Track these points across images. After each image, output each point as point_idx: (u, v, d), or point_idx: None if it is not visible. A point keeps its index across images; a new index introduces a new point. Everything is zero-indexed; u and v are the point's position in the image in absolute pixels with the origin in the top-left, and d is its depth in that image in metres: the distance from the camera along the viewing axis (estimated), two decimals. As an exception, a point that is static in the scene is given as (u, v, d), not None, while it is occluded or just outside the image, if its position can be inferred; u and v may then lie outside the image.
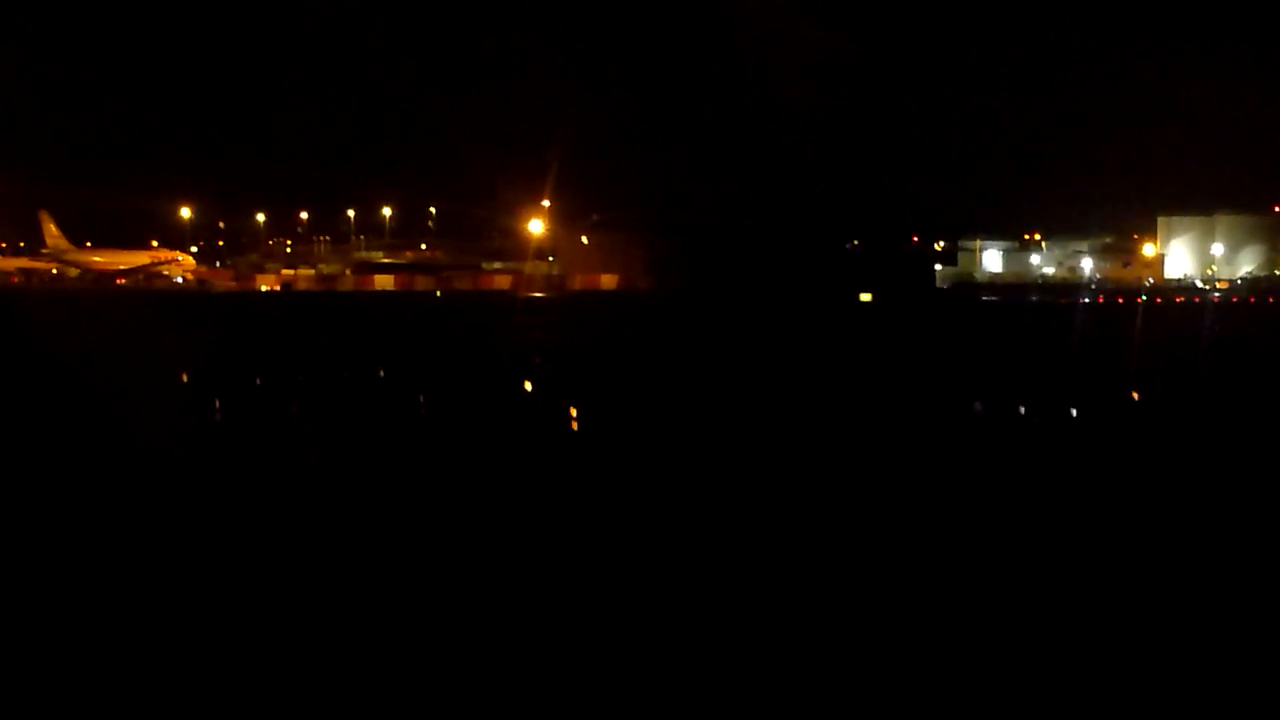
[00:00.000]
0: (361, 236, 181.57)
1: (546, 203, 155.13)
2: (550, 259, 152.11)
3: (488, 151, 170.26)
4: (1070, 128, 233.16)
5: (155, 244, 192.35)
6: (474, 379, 37.69)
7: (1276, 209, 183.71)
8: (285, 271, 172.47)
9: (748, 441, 23.69)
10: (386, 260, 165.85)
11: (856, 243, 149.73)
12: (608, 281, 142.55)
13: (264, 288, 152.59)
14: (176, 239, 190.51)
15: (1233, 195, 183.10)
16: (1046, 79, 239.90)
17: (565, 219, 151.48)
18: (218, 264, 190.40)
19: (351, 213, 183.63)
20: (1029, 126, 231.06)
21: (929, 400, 31.16)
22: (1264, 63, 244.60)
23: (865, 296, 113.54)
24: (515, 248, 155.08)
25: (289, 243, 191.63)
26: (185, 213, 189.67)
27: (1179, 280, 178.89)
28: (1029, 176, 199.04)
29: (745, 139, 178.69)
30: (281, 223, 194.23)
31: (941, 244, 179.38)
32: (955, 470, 20.58)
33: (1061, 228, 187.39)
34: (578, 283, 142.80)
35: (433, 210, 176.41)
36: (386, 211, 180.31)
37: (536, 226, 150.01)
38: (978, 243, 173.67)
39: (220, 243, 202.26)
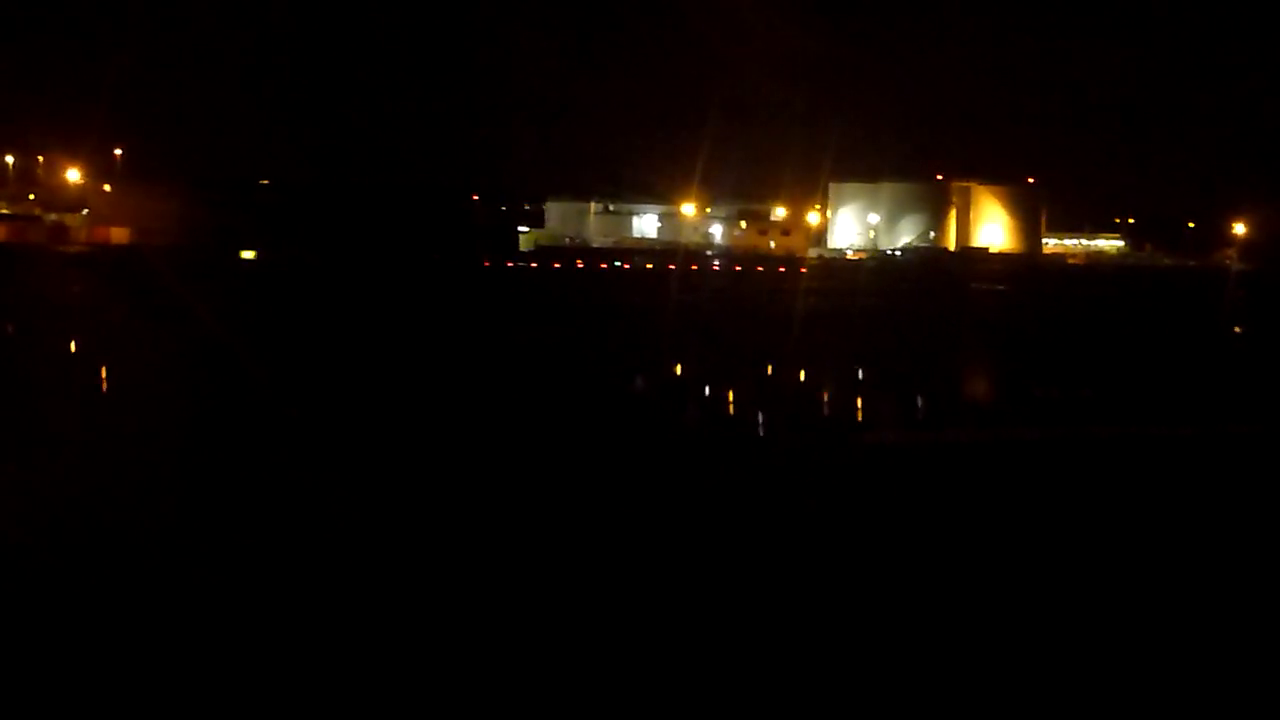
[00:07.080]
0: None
1: (119, 152, 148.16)
2: (85, 210, 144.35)
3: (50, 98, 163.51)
4: (744, 90, 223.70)
5: None
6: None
7: (939, 176, 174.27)
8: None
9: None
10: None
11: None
12: (118, 235, 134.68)
13: None
14: None
15: (901, 163, 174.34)
16: (715, 43, 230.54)
17: (104, 171, 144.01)
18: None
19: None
20: (692, 90, 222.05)
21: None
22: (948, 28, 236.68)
23: (247, 254, 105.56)
24: (66, 198, 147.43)
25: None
26: None
27: (846, 249, 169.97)
28: (690, 141, 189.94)
29: (308, 93, 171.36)
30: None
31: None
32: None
33: (730, 193, 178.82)
34: (84, 236, 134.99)
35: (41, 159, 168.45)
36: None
37: (73, 175, 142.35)
38: (591, 205, 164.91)
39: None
